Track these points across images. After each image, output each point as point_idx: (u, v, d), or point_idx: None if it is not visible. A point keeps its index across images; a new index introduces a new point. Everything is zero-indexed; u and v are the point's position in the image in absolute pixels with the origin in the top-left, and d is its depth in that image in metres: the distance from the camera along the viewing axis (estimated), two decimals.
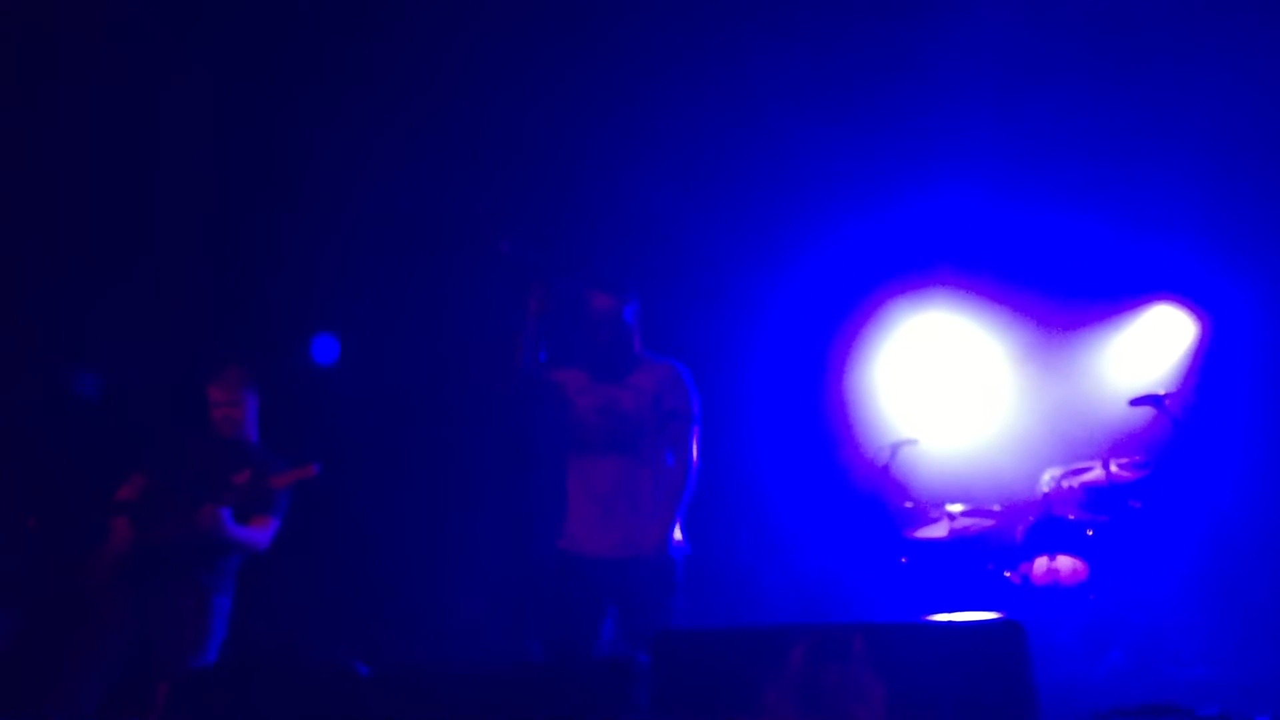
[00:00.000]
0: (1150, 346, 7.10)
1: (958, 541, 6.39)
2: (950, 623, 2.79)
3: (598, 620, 4.35)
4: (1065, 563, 6.06)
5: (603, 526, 4.40)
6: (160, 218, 6.33)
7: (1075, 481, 6.29)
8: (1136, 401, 6.17)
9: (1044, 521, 6.20)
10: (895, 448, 6.69)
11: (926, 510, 6.55)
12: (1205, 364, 6.90)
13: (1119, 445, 6.48)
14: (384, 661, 3.35)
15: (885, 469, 6.67)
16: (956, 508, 6.42)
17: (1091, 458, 6.27)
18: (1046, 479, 6.33)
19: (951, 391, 7.46)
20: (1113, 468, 6.13)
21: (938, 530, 6.45)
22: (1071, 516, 6.22)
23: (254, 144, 6.39)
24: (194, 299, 6.43)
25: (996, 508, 6.44)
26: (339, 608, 6.22)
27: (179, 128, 6.17)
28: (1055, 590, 5.98)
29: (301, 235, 6.58)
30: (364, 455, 6.50)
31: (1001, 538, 6.43)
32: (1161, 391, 6.19)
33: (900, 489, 6.80)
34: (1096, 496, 6.33)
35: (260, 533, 4.85)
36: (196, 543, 4.71)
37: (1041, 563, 6.09)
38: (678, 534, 4.39)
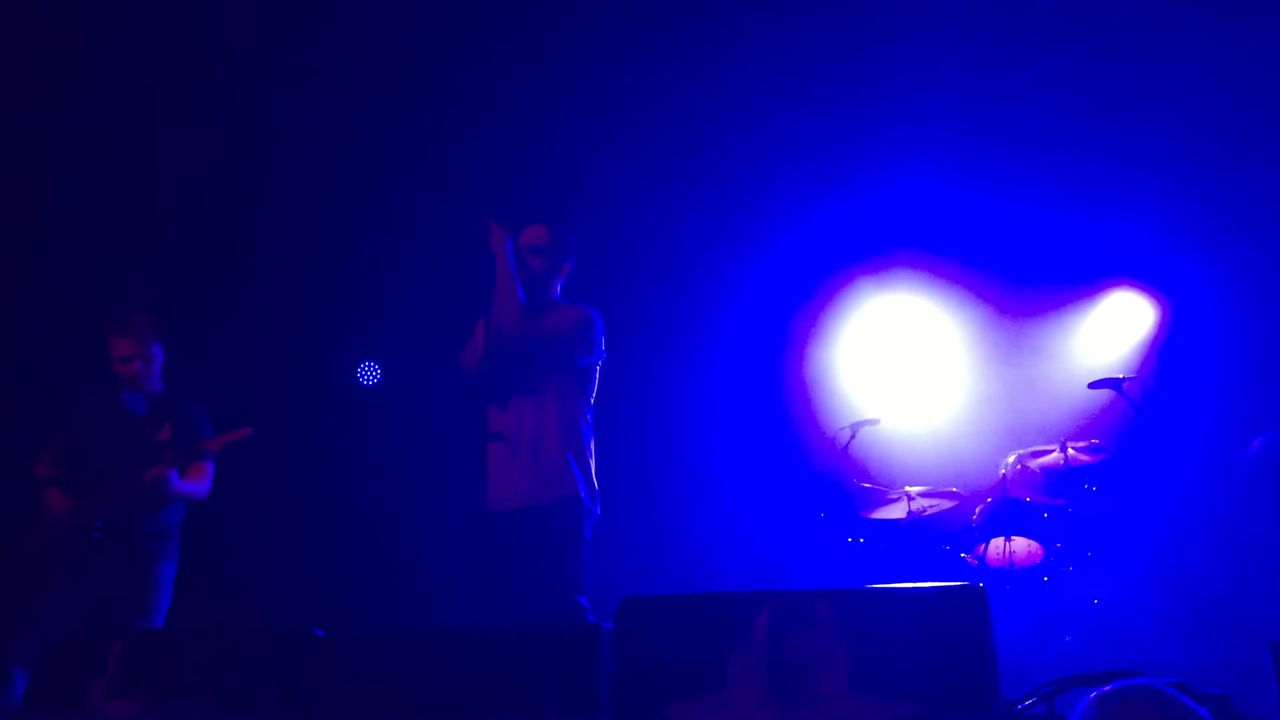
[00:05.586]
0: (1110, 330, 7.13)
1: (915, 522, 6.41)
2: (914, 588, 2.79)
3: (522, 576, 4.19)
4: (1021, 545, 6.09)
5: (509, 474, 4.29)
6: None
7: (1034, 464, 6.31)
8: (1096, 385, 6.20)
9: (1001, 503, 6.22)
10: (855, 428, 6.67)
11: (885, 491, 6.56)
12: (1164, 348, 6.96)
13: (1077, 428, 6.55)
14: (344, 626, 3.30)
15: (845, 449, 6.66)
16: (915, 489, 6.42)
17: (1050, 441, 6.28)
18: (1005, 461, 6.36)
19: (912, 373, 7.46)
20: (1071, 451, 6.16)
21: (896, 511, 6.45)
22: (1029, 499, 6.26)
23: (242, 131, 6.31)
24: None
25: (955, 489, 6.45)
26: (301, 575, 6.15)
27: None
28: (1010, 572, 6.01)
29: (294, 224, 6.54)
30: (327, 418, 6.43)
31: (959, 519, 6.46)
32: (1121, 375, 6.24)
33: (859, 469, 6.81)
34: (1054, 479, 6.37)
35: (199, 483, 4.73)
36: (140, 503, 4.58)
37: (998, 544, 6.11)
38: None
